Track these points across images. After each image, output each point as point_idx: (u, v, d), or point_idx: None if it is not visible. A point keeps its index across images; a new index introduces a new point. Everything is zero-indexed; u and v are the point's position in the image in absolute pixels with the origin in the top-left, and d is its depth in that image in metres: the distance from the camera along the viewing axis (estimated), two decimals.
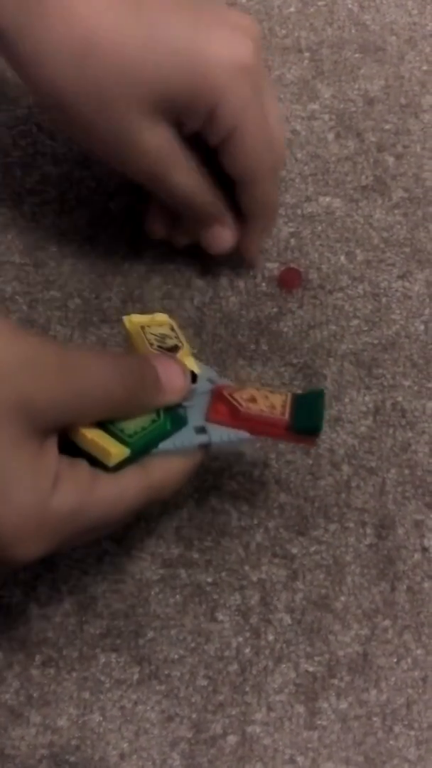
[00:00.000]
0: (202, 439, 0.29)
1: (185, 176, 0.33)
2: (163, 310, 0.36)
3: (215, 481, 0.35)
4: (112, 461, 0.27)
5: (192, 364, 0.31)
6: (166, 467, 0.29)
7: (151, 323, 0.32)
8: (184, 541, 0.34)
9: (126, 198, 0.38)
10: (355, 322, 0.37)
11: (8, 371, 0.24)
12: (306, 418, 0.30)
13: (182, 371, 0.29)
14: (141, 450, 0.28)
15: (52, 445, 0.26)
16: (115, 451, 0.27)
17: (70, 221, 0.38)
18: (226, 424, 0.30)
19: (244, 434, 0.30)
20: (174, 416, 0.29)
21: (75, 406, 0.26)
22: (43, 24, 0.29)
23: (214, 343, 0.36)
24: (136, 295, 0.37)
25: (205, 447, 0.30)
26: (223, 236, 0.35)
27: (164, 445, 0.29)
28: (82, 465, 0.27)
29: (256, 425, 0.29)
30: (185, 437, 0.29)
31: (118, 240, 0.38)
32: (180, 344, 0.31)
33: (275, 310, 0.37)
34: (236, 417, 0.30)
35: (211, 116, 0.31)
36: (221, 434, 0.29)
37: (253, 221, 0.35)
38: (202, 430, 0.29)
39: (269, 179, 0.34)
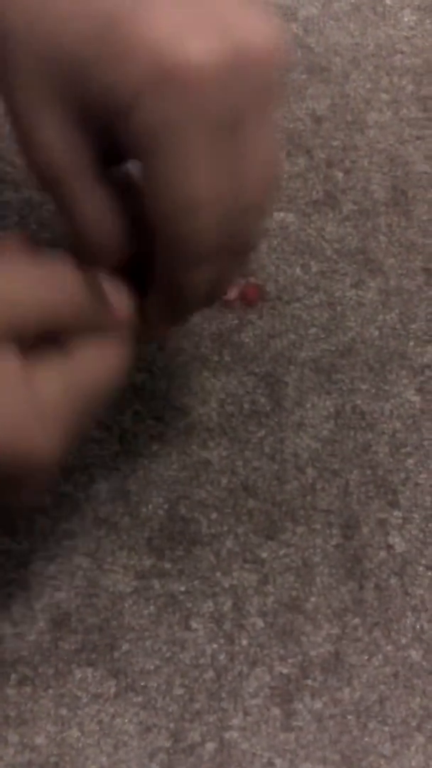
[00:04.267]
0: None
1: (83, 204, 0.24)
2: None
3: (184, 490, 0.34)
4: None
5: None
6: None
7: None
8: (156, 552, 0.34)
9: None
10: (313, 330, 0.37)
11: None
12: None
13: (123, 295, 0.26)
14: None
15: (8, 349, 0.23)
16: None
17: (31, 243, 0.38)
18: None
19: None
20: None
21: (24, 312, 0.23)
22: None
23: (177, 356, 0.36)
24: None
25: None
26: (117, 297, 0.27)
27: None
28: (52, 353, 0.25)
29: None
30: None
31: None
32: None
33: (236, 321, 0.37)
34: None
35: (124, 128, 0.22)
36: None
37: (153, 291, 0.26)
38: None
39: (176, 249, 0.23)
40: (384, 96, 0.42)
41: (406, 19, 0.44)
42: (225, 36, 0.21)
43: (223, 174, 0.22)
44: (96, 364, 0.25)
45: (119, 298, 0.26)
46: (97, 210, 0.24)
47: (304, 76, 0.42)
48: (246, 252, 0.26)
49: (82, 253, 0.25)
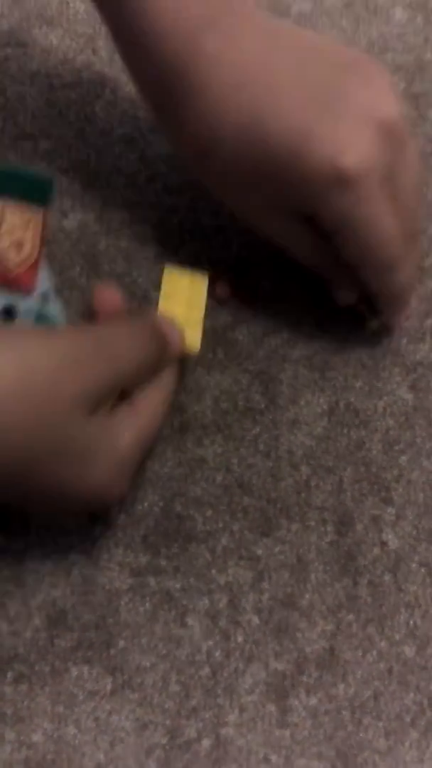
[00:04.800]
0: None
1: (306, 250, 0.34)
2: None
3: (179, 487, 0.35)
4: None
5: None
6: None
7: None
8: (152, 549, 0.34)
9: (79, 215, 0.38)
10: (307, 328, 0.37)
11: (58, 373, 0.28)
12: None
13: (177, 332, 0.33)
14: None
15: (106, 400, 0.30)
16: None
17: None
18: None
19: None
20: None
21: (114, 379, 0.30)
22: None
23: None
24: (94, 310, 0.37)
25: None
26: (342, 298, 0.36)
27: None
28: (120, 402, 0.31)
29: None
30: None
31: (73, 257, 0.38)
32: None
33: (230, 319, 0.37)
34: None
35: (314, 215, 0.31)
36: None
37: (377, 301, 0.35)
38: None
39: (381, 273, 0.33)
40: None
41: (397, 17, 0.44)
42: (369, 121, 0.30)
43: (394, 204, 0.31)
44: (156, 410, 0.32)
45: (174, 336, 0.33)
46: (315, 254, 0.34)
47: None
48: (418, 244, 0.35)
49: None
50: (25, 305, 0.31)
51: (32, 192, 0.32)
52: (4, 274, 0.30)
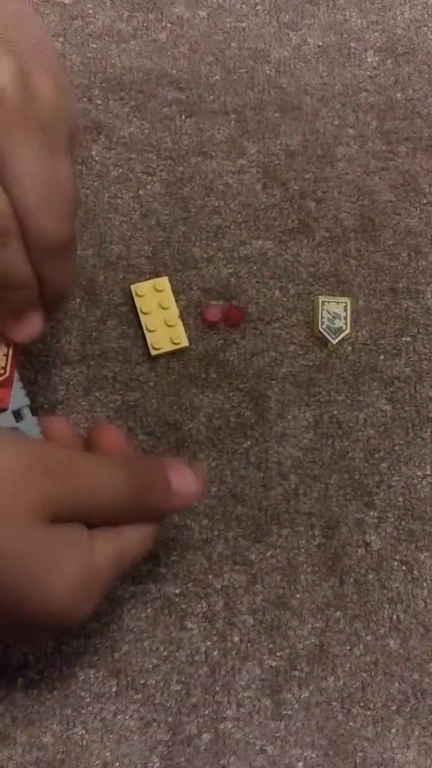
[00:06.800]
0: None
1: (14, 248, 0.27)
2: (120, 348, 0.39)
3: None
4: None
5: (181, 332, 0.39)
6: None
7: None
8: (152, 558, 0.35)
9: (79, 251, 0.41)
10: (292, 347, 0.40)
11: (25, 476, 0.26)
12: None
13: (194, 477, 0.30)
14: None
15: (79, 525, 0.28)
16: None
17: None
18: None
19: None
20: None
21: (80, 502, 0.27)
22: None
23: (168, 375, 0.39)
24: (94, 337, 0.39)
25: None
26: (35, 323, 0.30)
27: None
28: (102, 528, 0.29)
29: None
30: None
31: (74, 290, 0.40)
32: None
33: (221, 341, 0.39)
34: None
35: None
36: None
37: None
38: None
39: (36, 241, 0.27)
40: (351, 131, 0.44)
41: (369, 60, 0.47)
42: None
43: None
44: (138, 539, 0.29)
45: (184, 481, 0.30)
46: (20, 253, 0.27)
47: (277, 115, 0.45)
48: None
49: (14, 300, 0.29)
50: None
51: None
52: None
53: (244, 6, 0.46)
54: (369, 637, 0.35)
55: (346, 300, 0.40)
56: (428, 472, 0.38)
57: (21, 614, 0.26)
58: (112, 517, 0.29)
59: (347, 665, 0.35)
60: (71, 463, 0.27)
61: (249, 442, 0.38)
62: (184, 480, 0.30)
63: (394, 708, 0.34)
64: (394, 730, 0.34)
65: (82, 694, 0.34)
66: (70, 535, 0.27)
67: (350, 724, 0.34)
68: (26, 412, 0.31)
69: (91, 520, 0.28)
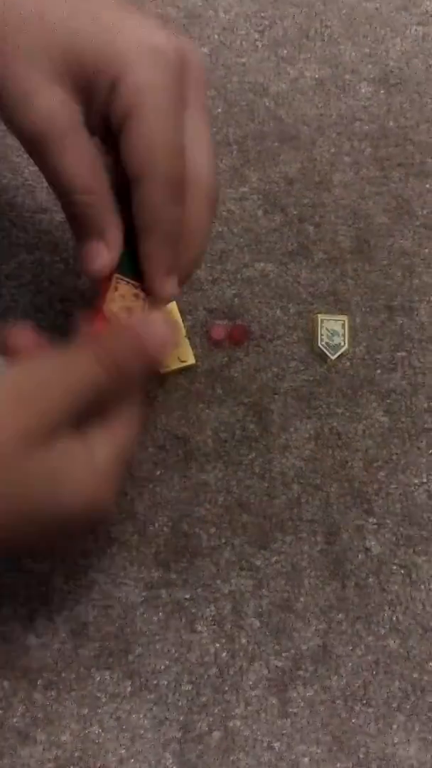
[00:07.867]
0: None
1: (73, 156, 0.27)
2: None
3: (185, 509, 0.38)
4: None
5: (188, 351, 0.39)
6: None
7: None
8: (163, 565, 0.37)
9: None
10: (293, 363, 0.41)
11: (12, 398, 0.26)
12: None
13: (162, 321, 0.29)
14: None
15: (65, 426, 0.28)
16: None
17: (44, 299, 0.42)
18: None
19: None
20: None
21: (71, 406, 0.27)
22: None
23: (175, 391, 0.40)
24: None
25: None
26: (96, 252, 0.29)
27: None
28: (91, 426, 0.29)
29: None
30: None
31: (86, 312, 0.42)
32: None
33: (225, 359, 0.41)
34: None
35: (113, 89, 0.27)
36: None
37: (145, 238, 0.29)
38: None
39: (163, 186, 0.28)
40: (346, 158, 0.46)
41: (363, 91, 0.48)
42: (171, 38, 0.28)
43: (172, 134, 0.28)
44: (130, 422, 0.30)
45: (154, 331, 0.29)
46: (83, 166, 0.28)
47: (276, 144, 0.47)
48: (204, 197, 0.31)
49: (74, 214, 0.29)
50: None
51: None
52: None
53: (244, 42, 0.49)
54: (370, 638, 0.36)
55: (344, 318, 0.42)
56: (425, 480, 0.39)
57: (48, 525, 0.28)
58: (99, 402, 0.28)
59: (349, 665, 0.36)
60: (39, 381, 0.27)
61: (253, 454, 0.39)
62: (152, 329, 0.29)
63: (395, 705, 0.35)
64: (395, 727, 0.35)
65: (98, 694, 0.35)
66: (68, 445, 0.27)
67: (353, 721, 0.35)
68: None
69: (81, 413, 0.28)
